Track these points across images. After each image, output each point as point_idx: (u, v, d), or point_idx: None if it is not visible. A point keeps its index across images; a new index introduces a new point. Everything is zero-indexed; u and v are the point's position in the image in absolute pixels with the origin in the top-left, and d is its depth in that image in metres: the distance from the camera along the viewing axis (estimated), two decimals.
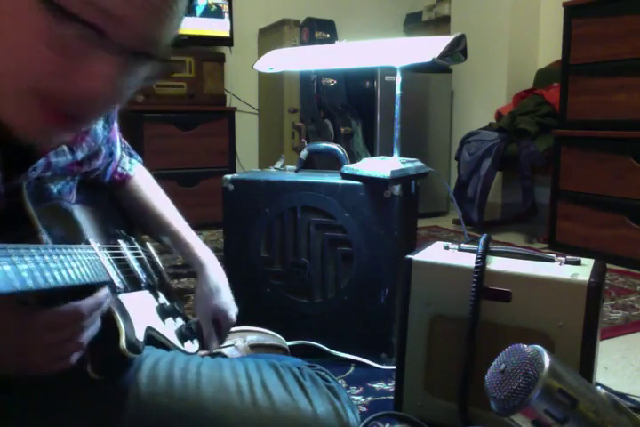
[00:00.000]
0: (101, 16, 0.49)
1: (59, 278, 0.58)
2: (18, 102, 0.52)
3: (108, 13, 0.49)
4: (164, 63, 0.58)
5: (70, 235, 0.71)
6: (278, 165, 1.53)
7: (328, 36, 2.95)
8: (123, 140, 1.00)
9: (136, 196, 1.01)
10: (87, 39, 0.50)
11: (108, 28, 0.50)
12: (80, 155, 0.75)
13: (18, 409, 0.61)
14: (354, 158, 1.48)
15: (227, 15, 3.15)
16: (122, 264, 0.81)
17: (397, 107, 1.35)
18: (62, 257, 0.60)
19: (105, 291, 0.63)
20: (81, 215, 0.79)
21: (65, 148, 0.72)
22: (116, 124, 0.90)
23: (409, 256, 1.04)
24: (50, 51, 0.49)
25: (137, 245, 0.92)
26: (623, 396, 1.17)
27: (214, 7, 3.11)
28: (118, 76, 0.52)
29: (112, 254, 0.79)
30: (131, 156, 1.03)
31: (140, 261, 0.89)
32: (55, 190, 0.73)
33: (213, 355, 1.07)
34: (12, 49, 0.50)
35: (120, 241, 0.86)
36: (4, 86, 0.52)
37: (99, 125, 0.79)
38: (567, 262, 0.98)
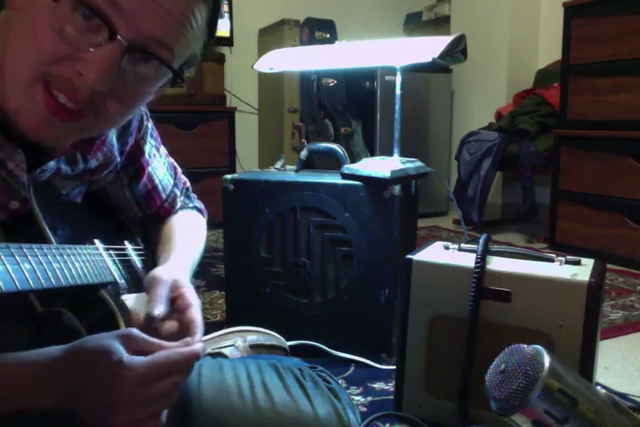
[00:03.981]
0: (107, 3, 0.52)
1: (61, 278, 0.58)
2: (24, 91, 0.55)
3: (113, 1, 0.53)
4: (175, 74, 0.60)
5: (76, 235, 0.71)
6: (278, 165, 1.53)
7: (328, 36, 2.94)
8: (184, 180, 0.98)
9: (161, 227, 0.91)
10: (90, 25, 0.53)
11: (110, 15, 0.53)
12: (94, 163, 0.75)
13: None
14: (354, 158, 1.48)
15: (227, 15, 3.14)
16: (126, 265, 0.81)
17: (397, 107, 1.35)
18: (66, 257, 0.61)
19: (201, 344, 0.60)
20: (87, 216, 0.79)
21: (79, 156, 0.72)
22: (158, 158, 0.93)
23: (409, 256, 1.04)
24: (56, 35, 0.53)
25: (142, 246, 0.92)
26: (623, 396, 1.17)
27: None
28: (112, 65, 0.54)
29: (117, 255, 0.79)
30: (188, 198, 0.99)
31: (144, 261, 0.89)
32: (64, 192, 0.73)
33: (214, 355, 1.08)
34: (26, 36, 0.55)
35: (126, 242, 0.86)
36: (15, 76, 0.55)
37: (113, 136, 0.78)
38: (567, 262, 0.98)
